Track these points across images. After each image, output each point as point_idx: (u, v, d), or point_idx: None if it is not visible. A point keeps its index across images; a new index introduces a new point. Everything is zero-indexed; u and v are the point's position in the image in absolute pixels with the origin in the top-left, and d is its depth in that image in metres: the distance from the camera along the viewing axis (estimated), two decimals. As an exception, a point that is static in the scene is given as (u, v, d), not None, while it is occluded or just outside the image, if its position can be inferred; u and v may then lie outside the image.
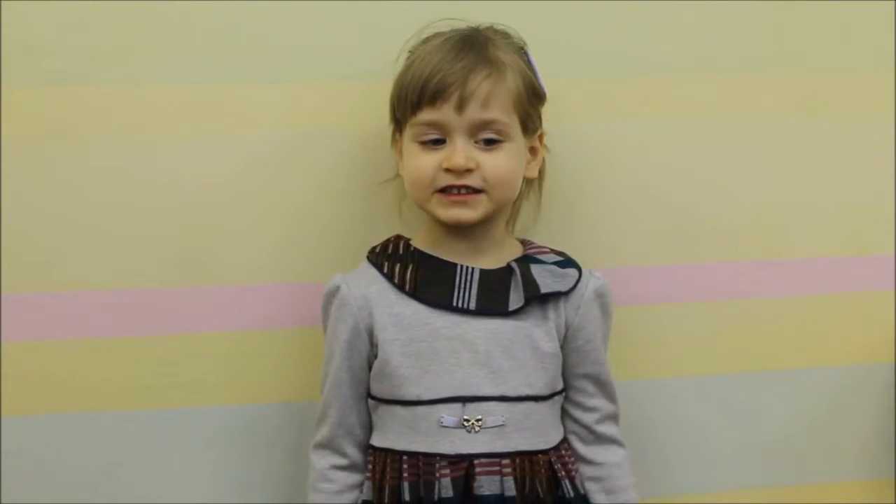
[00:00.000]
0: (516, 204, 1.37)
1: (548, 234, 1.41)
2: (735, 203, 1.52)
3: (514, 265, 1.30)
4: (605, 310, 1.34)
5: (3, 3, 1.35)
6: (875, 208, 1.55)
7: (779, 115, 1.51)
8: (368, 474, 1.31)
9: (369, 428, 1.32)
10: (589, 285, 1.32)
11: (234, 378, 1.45)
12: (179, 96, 1.39)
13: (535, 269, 1.30)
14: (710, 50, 1.50)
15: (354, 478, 1.32)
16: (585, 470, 1.34)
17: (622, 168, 1.49)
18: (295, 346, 1.44)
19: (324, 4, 1.41)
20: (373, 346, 1.29)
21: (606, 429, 1.35)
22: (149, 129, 1.39)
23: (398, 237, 1.35)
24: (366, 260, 1.33)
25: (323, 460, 1.32)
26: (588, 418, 1.34)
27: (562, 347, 1.31)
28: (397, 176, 1.37)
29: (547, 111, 1.35)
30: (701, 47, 1.50)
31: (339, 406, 1.31)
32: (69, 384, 1.42)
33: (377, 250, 1.33)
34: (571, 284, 1.31)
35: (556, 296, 1.30)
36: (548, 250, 1.34)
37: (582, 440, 1.34)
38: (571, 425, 1.34)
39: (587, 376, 1.33)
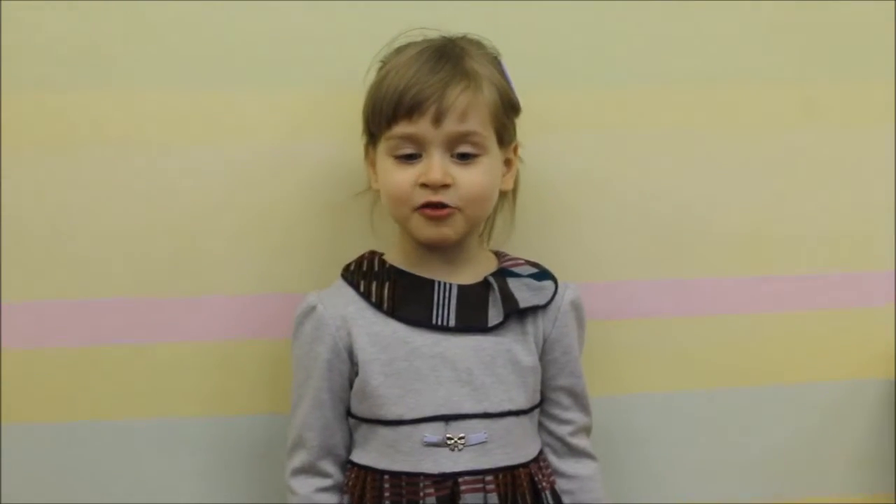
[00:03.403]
0: (491, 217, 1.36)
1: (524, 248, 1.39)
2: (728, 216, 1.51)
3: (491, 280, 1.29)
4: (580, 321, 1.33)
5: (1, 8, 1.35)
6: (873, 223, 1.54)
7: (773, 126, 1.50)
8: (344, 488, 1.29)
9: (349, 446, 1.30)
10: (565, 297, 1.31)
11: (226, 388, 1.44)
12: (170, 103, 1.40)
13: (513, 283, 1.29)
14: (701, 58, 1.49)
15: (338, 498, 1.30)
16: (559, 482, 1.33)
17: (608, 180, 1.48)
18: (279, 356, 1.41)
19: (313, 13, 1.41)
20: (353, 364, 1.27)
21: (579, 441, 1.34)
22: (140, 136, 1.39)
23: (372, 253, 1.34)
24: (340, 278, 1.32)
25: (305, 485, 1.29)
26: (562, 430, 1.33)
27: (539, 360, 1.30)
28: (369, 188, 1.36)
29: (529, 122, 1.34)
30: (691, 56, 1.49)
31: (320, 428, 1.29)
32: (69, 392, 1.42)
33: (351, 268, 1.32)
34: (549, 297, 1.30)
35: (533, 309, 1.29)
36: (522, 262, 1.33)
37: (555, 452, 1.34)
38: (545, 437, 1.34)
39: (563, 388, 1.32)
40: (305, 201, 1.42)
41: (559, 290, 1.31)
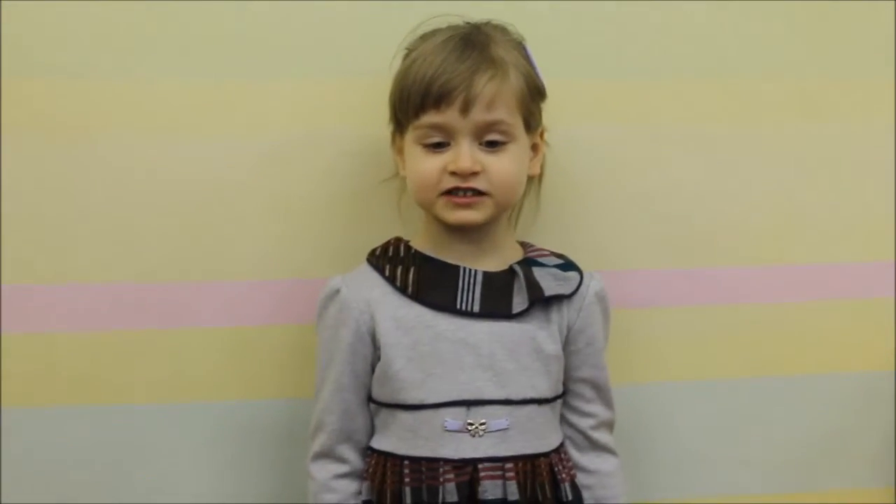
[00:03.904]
0: (518, 202, 1.37)
1: (547, 236, 1.40)
2: (737, 208, 1.51)
3: (516, 268, 1.29)
4: (605, 313, 1.33)
5: None
6: (879, 214, 1.55)
7: (781, 121, 1.51)
8: (365, 475, 1.29)
9: (370, 432, 1.31)
10: (590, 288, 1.32)
11: (237, 373, 1.44)
12: (182, 91, 1.39)
13: (538, 272, 1.29)
14: (712, 54, 1.50)
15: (356, 485, 1.30)
16: (579, 477, 1.33)
17: (623, 172, 1.48)
18: (300, 341, 1.42)
19: (332, 1, 1.41)
20: (376, 349, 1.28)
21: (601, 436, 1.34)
22: (151, 123, 1.39)
23: (398, 240, 1.33)
24: (365, 262, 1.32)
25: (323, 470, 1.30)
26: (584, 423, 1.33)
27: (563, 350, 1.30)
28: (396, 175, 1.36)
29: (546, 112, 1.34)
30: (703, 51, 1.49)
31: (341, 412, 1.29)
32: (70, 376, 1.41)
33: (377, 253, 1.32)
34: (574, 287, 1.30)
35: (558, 298, 1.29)
36: (548, 253, 1.33)
37: (576, 446, 1.34)
38: (567, 430, 1.33)
39: (586, 380, 1.33)
40: (328, 188, 1.42)
41: (584, 280, 1.31)
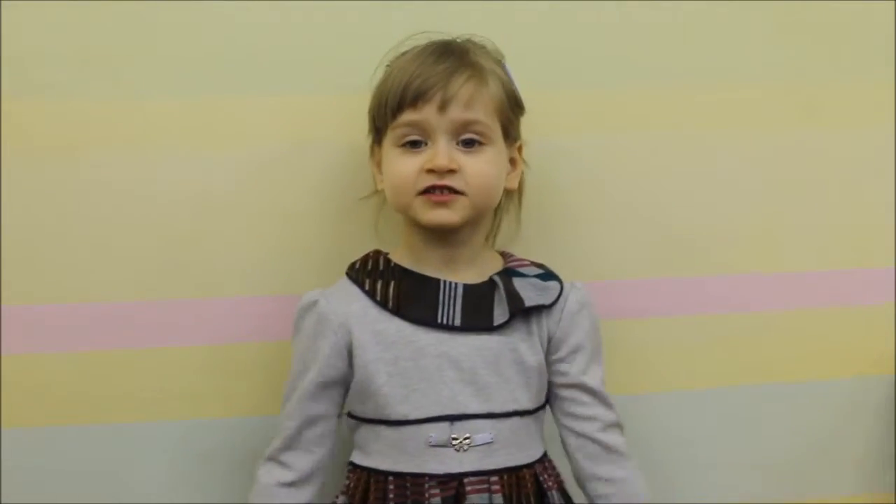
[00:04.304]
0: (497, 217, 1.37)
1: (533, 246, 1.40)
2: (731, 215, 1.51)
3: (496, 279, 1.29)
4: (590, 319, 1.32)
5: (2, 13, 1.36)
6: (875, 220, 1.54)
7: (776, 126, 1.51)
8: (343, 489, 1.29)
9: (327, 447, 1.29)
10: (570, 297, 1.31)
11: (226, 390, 1.44)
12: (168, 108, 1.39)
13: (518, 283, 1.29)
14: (703, 59, 1.49)
15: (297, 497, 1.28)
16: (596, 487, 1.29)
17: (612, 181, 1.48)
18: (288, 358, 1.40)
19: (318, 18, 1.41)
20: (350, 366, 1.27)
21: (611, 438, 1.30)
22: (141, 141, 1.39)
23: (377, 252, 1.33)
24: (345, 276, 1.32)
25: (268, 475, 1.29)
26: (589, 428, 1.30)
27: (546, 360, 1.30)
28: (375, 192, 1.36)
29: (530, 123, 1.35)
30: (694, 56, 1.49)
31: (301, 420, 1.28)
32: (69, 396, 1.41)
33: (357, 266, 1.32)
34: (554, 297, 1.30)
35: (538, 309, 1.29)
36: (528, 263, 1.33)
37: (589, 456, 1.30)
38: (575, 441, 1.30)
39: (576, 386, 1.31)
40: (309, 205, 1.42)
41: (564, 290, 1.31)
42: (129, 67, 1.39)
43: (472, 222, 1.28)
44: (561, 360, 1.30)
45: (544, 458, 1.31)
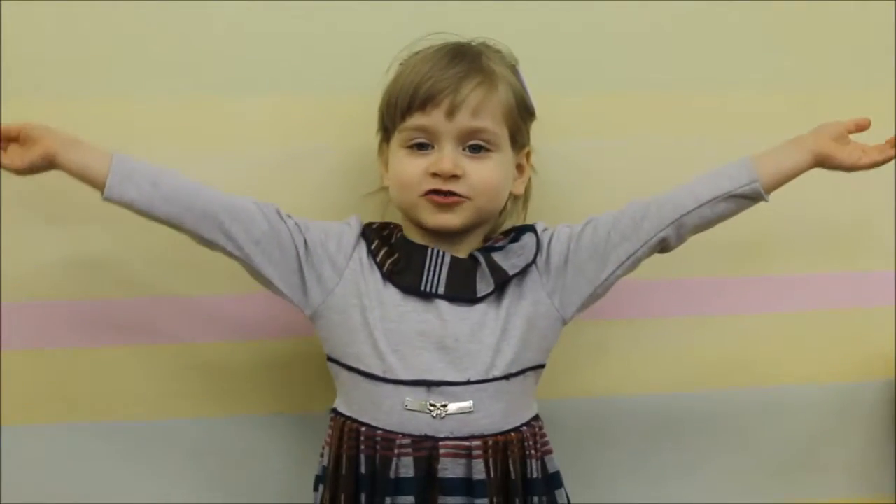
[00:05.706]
0: (500, 220, 1.37)
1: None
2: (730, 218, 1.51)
3: (477, 254, 1.30)
4: (561, 231, 1.33)
5: (1, 14, 1.37)
6: (874, 223, 1.55)
7: (775, 130, 1.46)
8: (327, 438, 1.30)
9: (236, 232, 1.28)
10: (543, 237, 1.32)
11: (227, 388, 1.46)
12: (169, 109, 1.41)
13: (497, 256, 1.30)
14: (703, 64, 1.51)
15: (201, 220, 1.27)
16: (687, 220, 1.31)
17: (611, 184, 1.48)
18: (286, 356, 1.45)
19: (321, 18, 1.43)
20: (322, 273, 1.28)
21: (625, 209, 1.32)
22: (143, 141, 1.39)
23: (397, 225, 1.35)
24: (361, 234, 1.33)
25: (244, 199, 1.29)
26: (618, 224, 1.31)
27: (578, 264, 1.30)
28: (381, 188, 1.37)
29: (537, 127, 1.36)
30: (693, 62, 1.51)
31: (269, 212, 1.28)
32: (69, 394, 1.43)
33: (374, 226, 1.34)
34: (533, 250, 1.30)
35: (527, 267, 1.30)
36: (501, 237, 1.34)
37: (637, 221, 1.31)
38: (630, 243, 1.31)
39: (591, 228, 1.32)
40: (309, 206, 1.40)
41: (538, 235, 1.32)
42: (128, 68, 1.40)
43: (473, 225, 1.30)
44: (578, 252, 1.31)
45: (534, 423, 1.30)
